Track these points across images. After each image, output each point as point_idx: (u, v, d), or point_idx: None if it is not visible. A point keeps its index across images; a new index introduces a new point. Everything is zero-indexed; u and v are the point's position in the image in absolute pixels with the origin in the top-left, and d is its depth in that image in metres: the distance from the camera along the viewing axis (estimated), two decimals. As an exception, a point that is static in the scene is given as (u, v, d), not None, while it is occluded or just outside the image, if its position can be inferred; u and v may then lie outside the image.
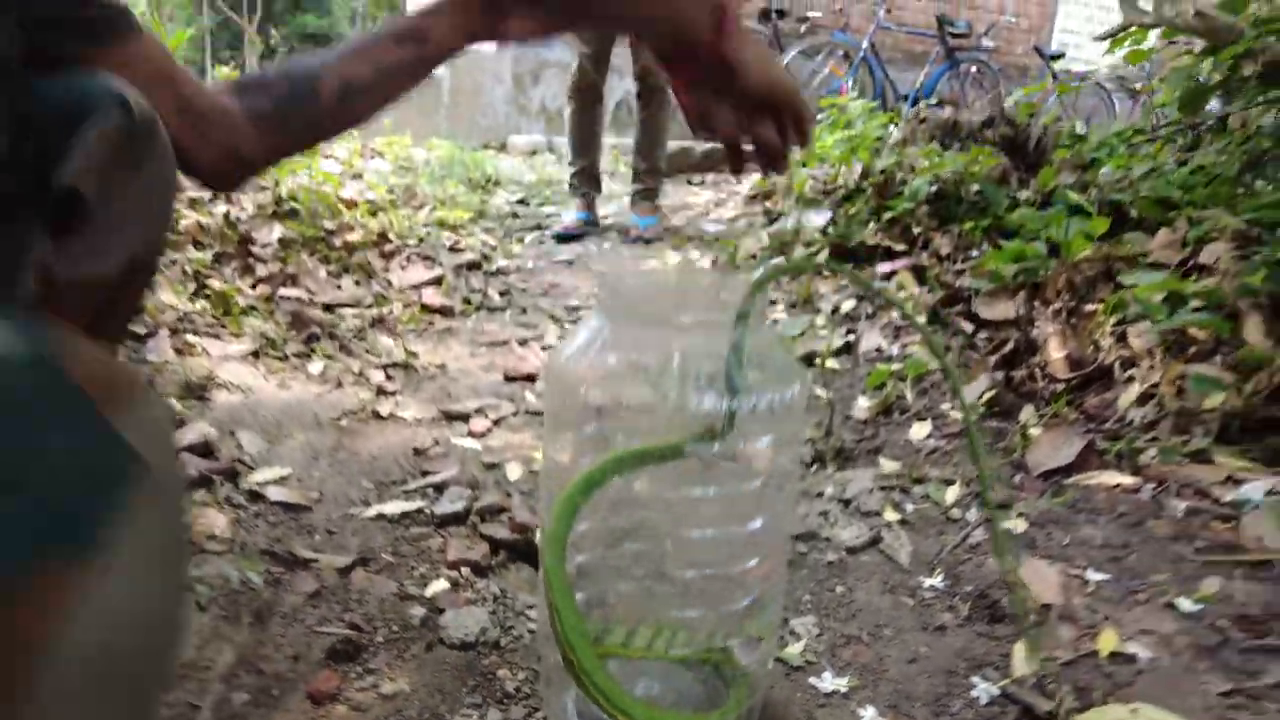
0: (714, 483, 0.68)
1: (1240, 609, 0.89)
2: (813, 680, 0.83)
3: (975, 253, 2.13)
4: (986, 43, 6.42)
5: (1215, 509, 1.08)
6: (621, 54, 3.22)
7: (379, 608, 0.92)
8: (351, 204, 2.75)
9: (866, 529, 1.12)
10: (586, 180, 3.17)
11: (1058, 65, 6.64)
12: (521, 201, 3.59)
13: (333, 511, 1.11)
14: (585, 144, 3.13)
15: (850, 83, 5.60)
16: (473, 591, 0.96)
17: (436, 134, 5.32)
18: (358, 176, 3.36)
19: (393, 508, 1.13)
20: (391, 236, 2.53)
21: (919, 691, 0.82)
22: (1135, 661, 0.83)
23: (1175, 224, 2.01)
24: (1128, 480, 1.18)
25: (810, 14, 6.04)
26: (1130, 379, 1.41)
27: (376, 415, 1.44)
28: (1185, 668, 0.81)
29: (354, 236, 2.50)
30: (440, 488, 1.19)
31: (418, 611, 0.91)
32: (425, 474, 1.24)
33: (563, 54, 5.56)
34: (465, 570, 0.99)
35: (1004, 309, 1.71)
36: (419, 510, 1.13)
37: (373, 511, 1.12)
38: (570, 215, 3.14)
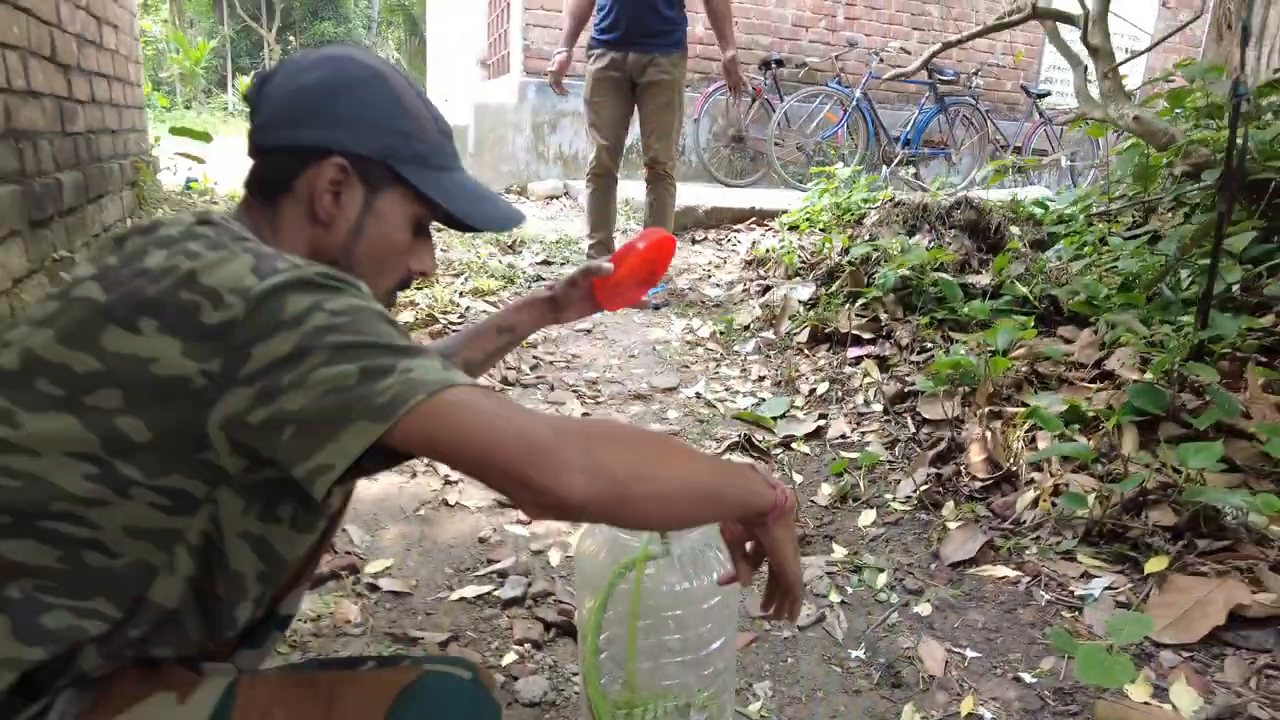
0: (686, 604, 1.10)
1: (1059, 683, 1.30)
2: (765, 731, 1.24)
3: (930, 345, 2.53)
4: (977, 81, 6.79)
5: (1069, 600, 1.49)
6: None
7: (471, 675, 1.33)
8: (399, 282, 3.17)
9: (815, 609, 1.54)
10: (602, 251, 3.58)
11: (1045, 103, 7.01)
12: (545, 263, 4.00)
13: (427, 595, 1.53)
14: (601, 221, 3.55)
15: (844, 129, 5.99)
16: (534, 663, 1.38)
17: (460, 181, 5.73)
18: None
19: (470, 591, 1.55)
20: (437, 315, 2.95)
21: (835, 739, 1.23)
22: (982, 720, 1.25)
23: (1097, 326, 2.42)
24: (1011, 574, 1.59)
25: (808, 60, 6.42)
26: (1031, 482, 1.82)
27: (446, 504, 1.86)
28: (1013, 725, 1.23)
29: (408, 316, 2.92)
30: (503, 574, 1.60)
31: (498, 678, 1.33)
32: (490, 561, 1.66)
33: (577, 104, 5.97)
34: (527, 645, 1.41)
35: (941, 410, 2.11)
36: (489, 594, 1.55)
37: (455, 596, 1.54)
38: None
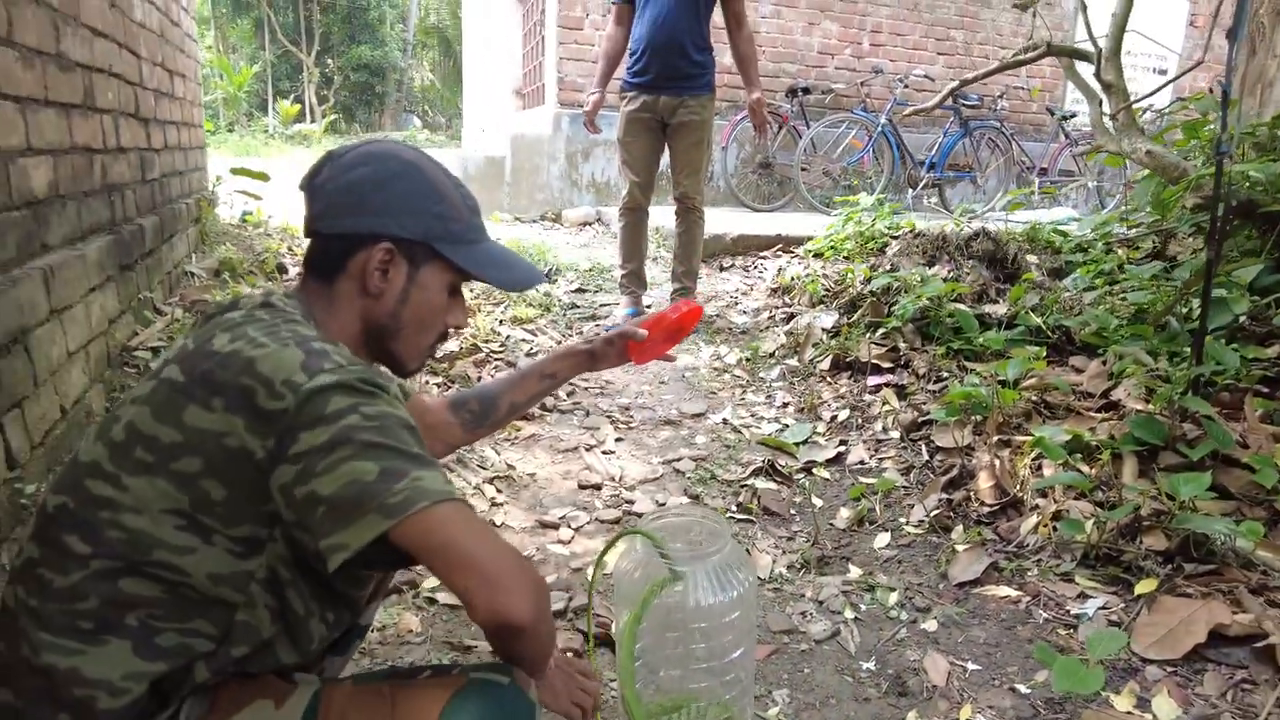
0: (711, 617, 1.26)
1: (1050, 694, 1.43)
2: (782, 733, 1.40)
3: (946, 374, 2.67)
4: (1003, 104, 6.89)
5: (1065, 618, 1.63)
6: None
7: (520, 680, 1.50)
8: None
9: (830, 624, 1.68)
10: (634, 281, 3.77)
11: (1071, 124, 7.09)
12: (579, 290, 4.19)
13: (479, 609, 1.71)
14: (633, 252, 3.73)
15: (870, 154, 6.12)
16: (575, 669, 1.54)
17: (499, 208, 5.97)
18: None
19: (517, 606, 1.71)
20: (480, 344, 3.15)
21: (845, 741, 1.38)
22: (979, 726, 1.39)
23: (1106, 356, 2.53)
24: (1013, 593, 1.72)
25: (834, 87, 6.58)
26: (1035, 508, 1.95)
27: (492, 524, 2.04)
28: (1006, 731, 1.37)
29: (452, 345, 3.12)
30: (546, 590, 1.77)
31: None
32: (534, 578, 1.82)
33: (610, 133, 6.18)
34: (570, 654, 1.58)
35: (953, 439, 2.25)
36: (534, 608, 1.72)
37: (504, 609, 1.71)
38: (620, 312, 3.75)
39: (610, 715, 1.43)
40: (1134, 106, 3.17)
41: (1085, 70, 3.47)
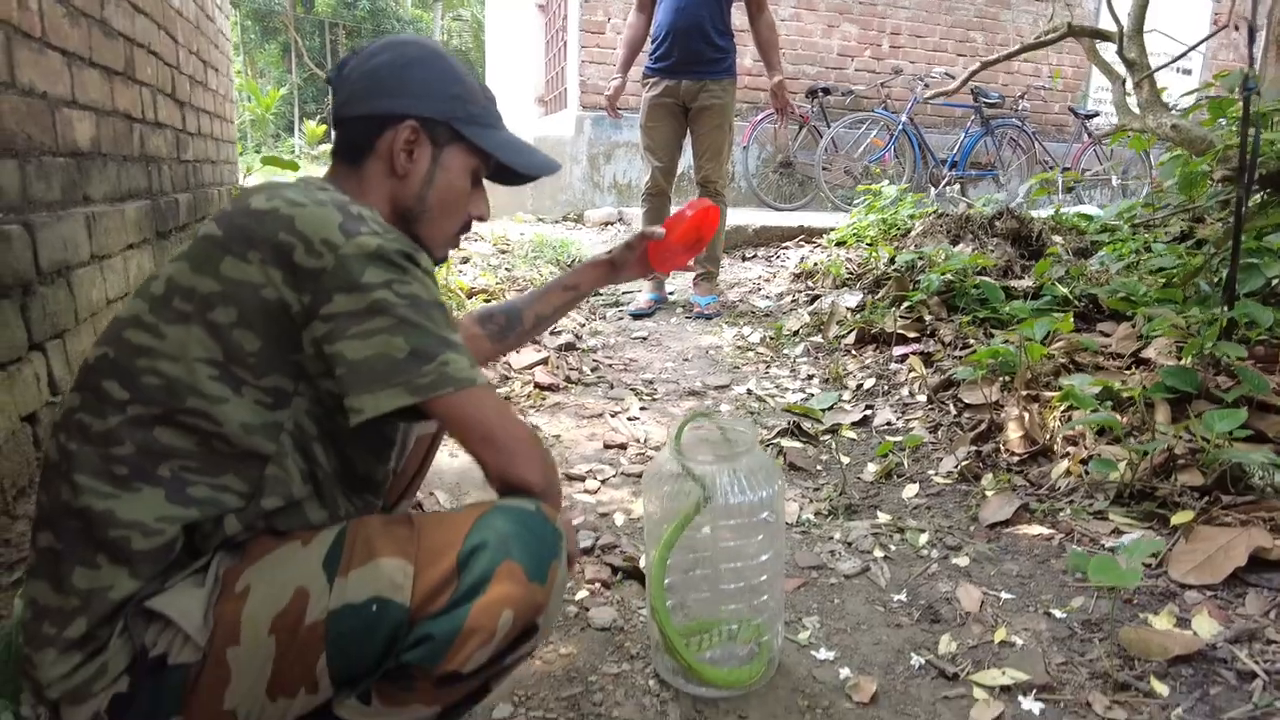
0: (739, 535, 1.25)
1: (1086, 616, 1.41)
2: (813, 652, 1.38)
3: (972, 341, 2.65)
4: (1024, 104, 6.88)
5: (1100, 552, 1.60)
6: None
7: (549, 607, 1.50)
8: (472, 292, 3.42)
9: (860, 562, 1.67)
10: None
11: (1094, 123, 7.06)
12: (600, 279, 4.22)
13: (507, 546, 1.71)
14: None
15: (891, 152, 6.13)
16: (603, 598, 1.54)
17: (523, 209, 6.03)
18: (466, 260, 4.05)
19: (544, 544, 1.72)
20: (504, 323, 3.17)
21: (877, 660, 1.36)
22: (1014, 646, 1.36)
23: (1135, 320, 2.51)
24: (1045, 531, 1.70)
25: (854, 88, 6.61)
26: (1065, 455, 1.92)
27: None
28: (1043, 649, 1.34)
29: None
30: (575, 529, 1.77)
31: (573, 609, 1.50)
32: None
33: (631, 135, 6.24)
34: (598, 585, 1.58)
35: (981, 395, 2.23)
36: (561, 546, 1.72)
37: (532, 547, 1.71)
38: (644, 296, 3.77)
39: (639, 638, 1.43)
40: (1158, 85, 3.16)
41: (1109, 54, 3.47)
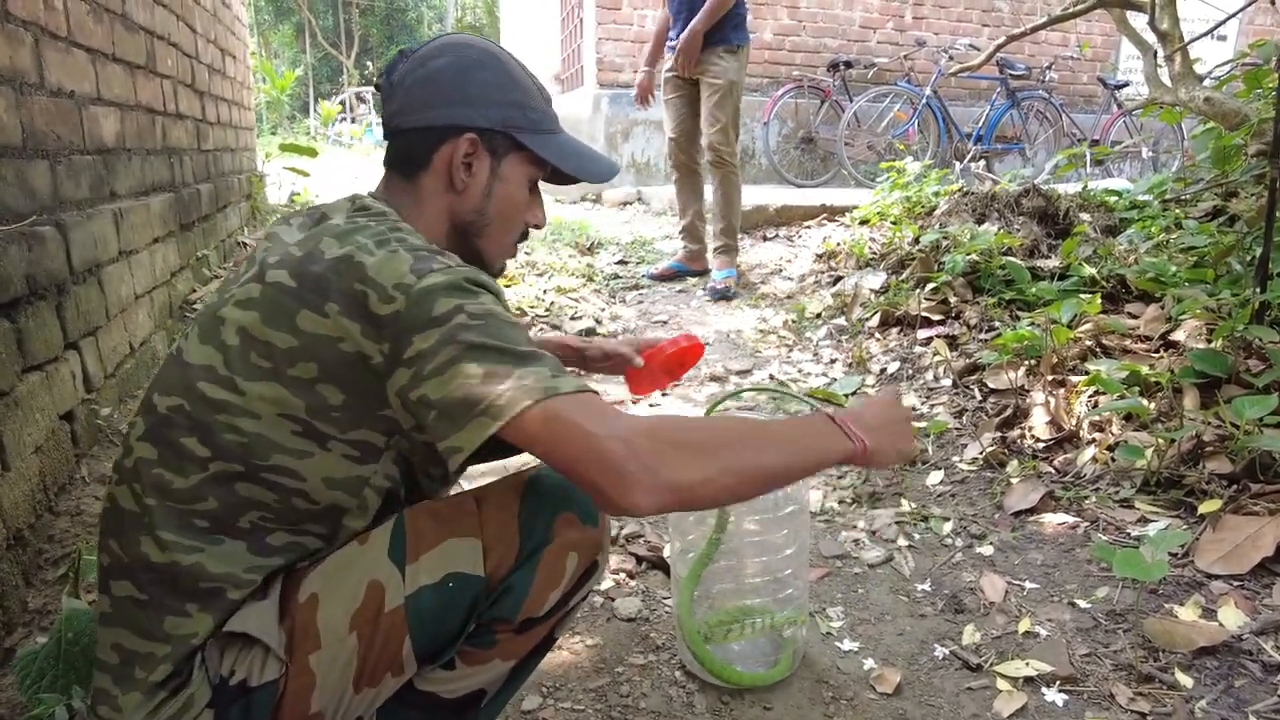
0: (765, 528, 1.26)
1: (1112, 606, 1.41)
2: (837, 643, 1.39)
3: (998, 324, 2.62)
4: (1051, 75, 6.73)
5: (1125, 541, 1.59)
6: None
7: (575, 597, 1.52)
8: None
9: (884, 551, 1.68)
10: (685, 235, 3.95)
11: (1124, 94, 6.90)
12: (621, 262, 4.21)
13: (532, 536, 1.73)
14: (683, 207, 3.95)
15: (915, 126, 6.04)
16: (629, 588, 1.56)
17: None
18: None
19: (569, 534, 1.74)
20: (525, 309, 3.18)
21: (901, 651, 1.37)
22: (1038, 637, 1.37)
23: (1164, 301, 2.47)
24: (1070, 519, 1.69)
25: (877, 61, 6.50)
26: (1091, 442, 1.91)
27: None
28: (1067, 640, 1.35)
29: (497, 310, 3.16)
30: (598, 520, 1.79)
31: (599, 600, 1.52)
32: (585, 510, 1.85)
33: (648, 113, 6.19)
34: (623, 575, 1.60)
35: (1006, 380, 2.21)
36: (586, 535, 1.74)
37: (557, 536, 1.73)
38: (663, 263, 4.02)
39: (663, 629, 1.45)
40: (1191, 56, 3.08)
41: (1140, 24, 3.38)
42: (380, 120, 1.00)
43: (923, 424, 2.22)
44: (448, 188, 0.95)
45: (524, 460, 1.12)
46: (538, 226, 1.05)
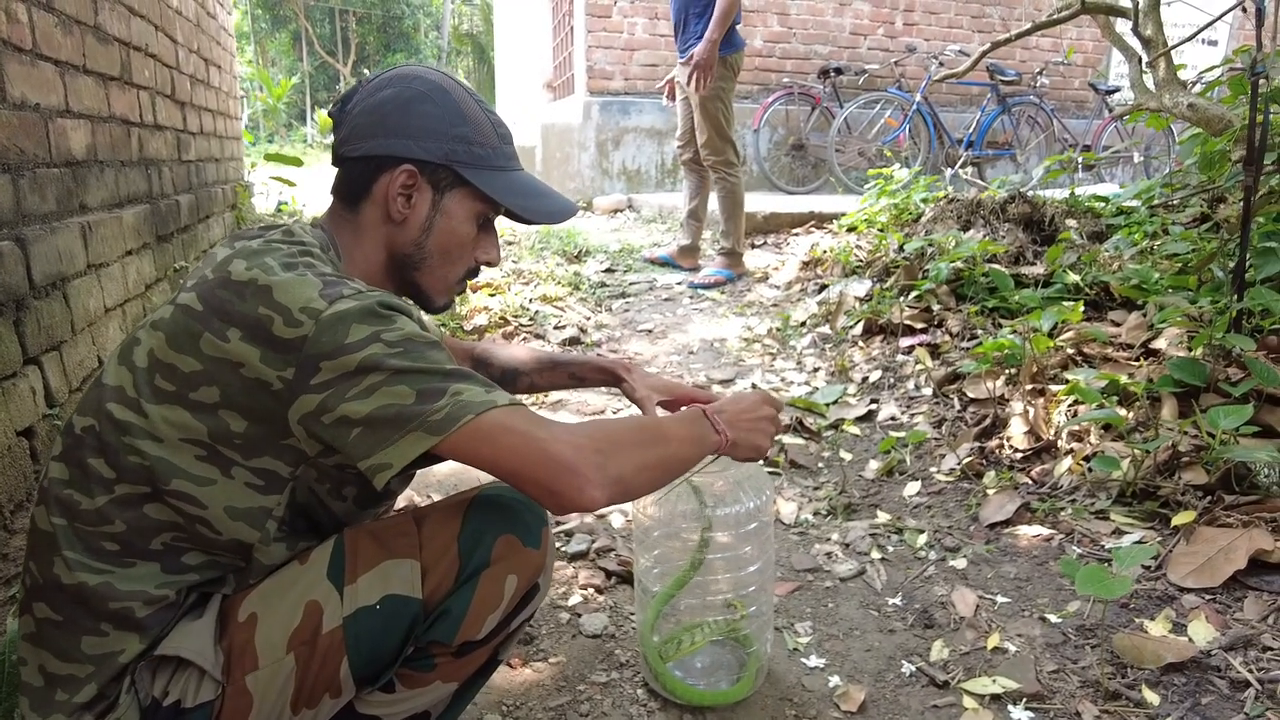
0: (727, 549, 1.24)
1: (1081, 621, 1.39)
2: (803, 659, 1.37)
3: (980, 332, 2.61)
4: (1043, 80, 6.73)
5: (1099, 554, 1.58)
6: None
7: (542, 614, 1.51)
8: (476, 286, 3.41)
9: (856, 564, 1.66)
10: (690, 222, 4.08)
11: (1115, 99, 6.90)
12: (609, 270, 4.20)
13: (502, 550, 1.71)
14: (685, 201, 4.10)
15: (906, 133, 6.04)
16: (596, 604, 1.54)
17: (530, 197, 6.00)
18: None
19: (540, 548, 1.72)
20: (509, 318, 3.17)
21: (868, 667, 1.35)
22: (1007, 653, 1.35)
23: (1146, 308, 2.46)
24: (1045, 531, 1.67)
25: (868, 67, 6.50)
26: (1069, 452, 1.89)
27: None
28: (1035, 656, 1.33)
29: (482, 320, 3.15)
30: (570, 533, 1.78)
31: (565, 615, 1.50)
32: (558, 523, 1.83)
33: (639, 120, 6.19)
34: (591, 590, 1.58)
35: (986, 389, 2.20)
36: (557, 550, 1.72)
37: (527, 550, 1.71)
38: (654, 250, 4.27)
39: (629, 645, 1.43)
40: (1175, 62, 3.07)
41: (1125, 30, 3.38)
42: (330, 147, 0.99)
43: (901, 434, 2.21)
44: (386, 218, 0.94)
45: (476, 476, 1.11)
46: (489, 264, 1.03)
